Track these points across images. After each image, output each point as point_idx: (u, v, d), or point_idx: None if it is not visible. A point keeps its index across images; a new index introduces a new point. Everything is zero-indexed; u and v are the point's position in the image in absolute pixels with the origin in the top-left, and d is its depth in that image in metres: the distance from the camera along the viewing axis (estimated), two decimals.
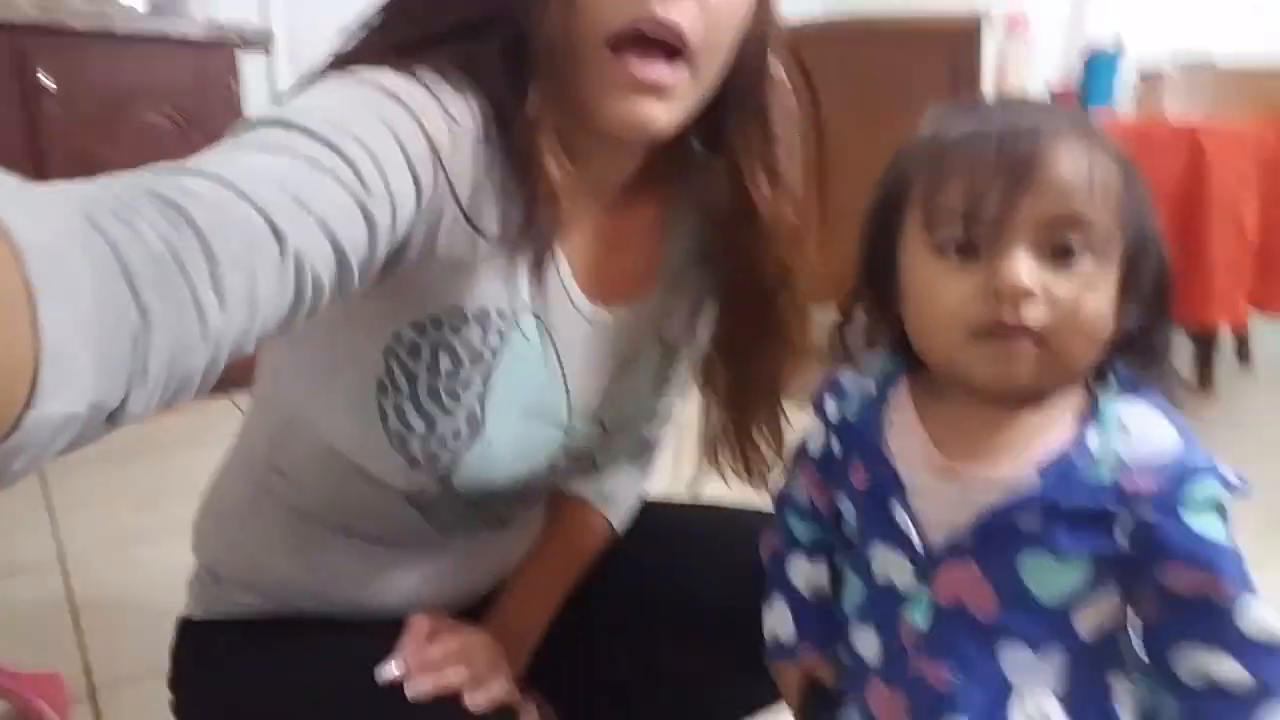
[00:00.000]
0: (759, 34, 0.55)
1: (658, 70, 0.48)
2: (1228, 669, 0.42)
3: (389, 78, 0.46)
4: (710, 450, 0.68)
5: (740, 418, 0.66)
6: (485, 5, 0.48)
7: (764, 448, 0.67)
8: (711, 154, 0.59)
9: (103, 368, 0.26)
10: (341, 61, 0.49)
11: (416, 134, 0.45)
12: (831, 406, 0.55)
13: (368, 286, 0.44)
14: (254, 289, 0.33)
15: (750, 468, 0.67)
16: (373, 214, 0.41)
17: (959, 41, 1.67)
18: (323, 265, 0.37)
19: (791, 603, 0.57)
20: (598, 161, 0.56)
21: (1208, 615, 0.43)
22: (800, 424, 0.61)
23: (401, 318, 0.53)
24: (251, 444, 0.65)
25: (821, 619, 0.56)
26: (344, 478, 0.60)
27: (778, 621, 0.58)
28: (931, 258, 0.45)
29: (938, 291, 0.45)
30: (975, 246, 0.44)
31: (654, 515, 0.77)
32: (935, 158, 0.46)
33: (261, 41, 2.35)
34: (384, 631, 0.62)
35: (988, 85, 1.94)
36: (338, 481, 0.60)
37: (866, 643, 0.52)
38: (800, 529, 0.59)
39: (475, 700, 0.57)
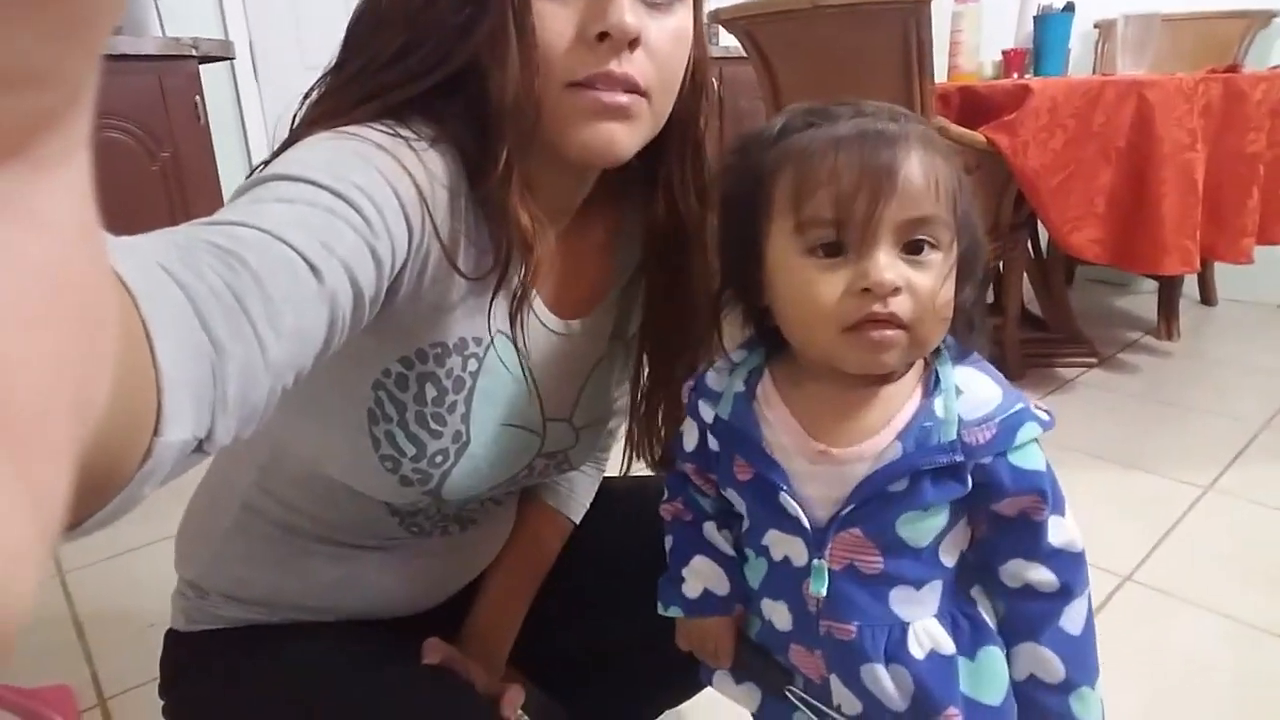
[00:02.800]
0: (697, 74, 0.59)
1: (620, 97, 0.52)
2: (1038, 574, 0.53)
3: (371, 132, 0.49)
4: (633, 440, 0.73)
5: (650, 408, 0.70)
6: (447, 65, 0.51)
7: (665, 434, 0.71)
8: (649, 177, 0.63)
9: (196, 400, 0.29)
10: (314, 120, 0.52)
11: (405, 180, 0.48)
12: (704, 407, 0.59)
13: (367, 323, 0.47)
14: (301, 323, 0.36)
15: (654, 452, 0.71)
16: (379, 254, 0.44)
17: (909, 13, 1.69)
18: (345, 301, 0.40)
19: (721, 562, 0.61)
20: (555, 190, 0.60)
21: (1026, 532, 0.52)
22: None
23: (389, 355, 0.56)
24: (236, 468, 0.68)
25: (741, 579, 0.61)
26: (331, 496, 0.64)
27: (708, 578, 0.61)
28: (801, 258, 0.50)
29: (811, 291, 0.49)
30: (842, 246, 0.49)
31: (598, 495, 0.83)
32: (799, 166, 0.50)
33: (222, 54, 2.35)
34: (361, 633, 0.67)
35: (941, 54, 1.97)
36: (325, 500, 0.64)
37: (778, 613, 0.57)
38: (706, 502, 0.63)
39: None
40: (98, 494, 0.25)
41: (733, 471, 0.56)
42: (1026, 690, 0.53)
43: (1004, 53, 2.25)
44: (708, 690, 0.89)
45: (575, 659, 0.82)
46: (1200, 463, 1.66)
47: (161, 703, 0.69)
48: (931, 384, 0.52)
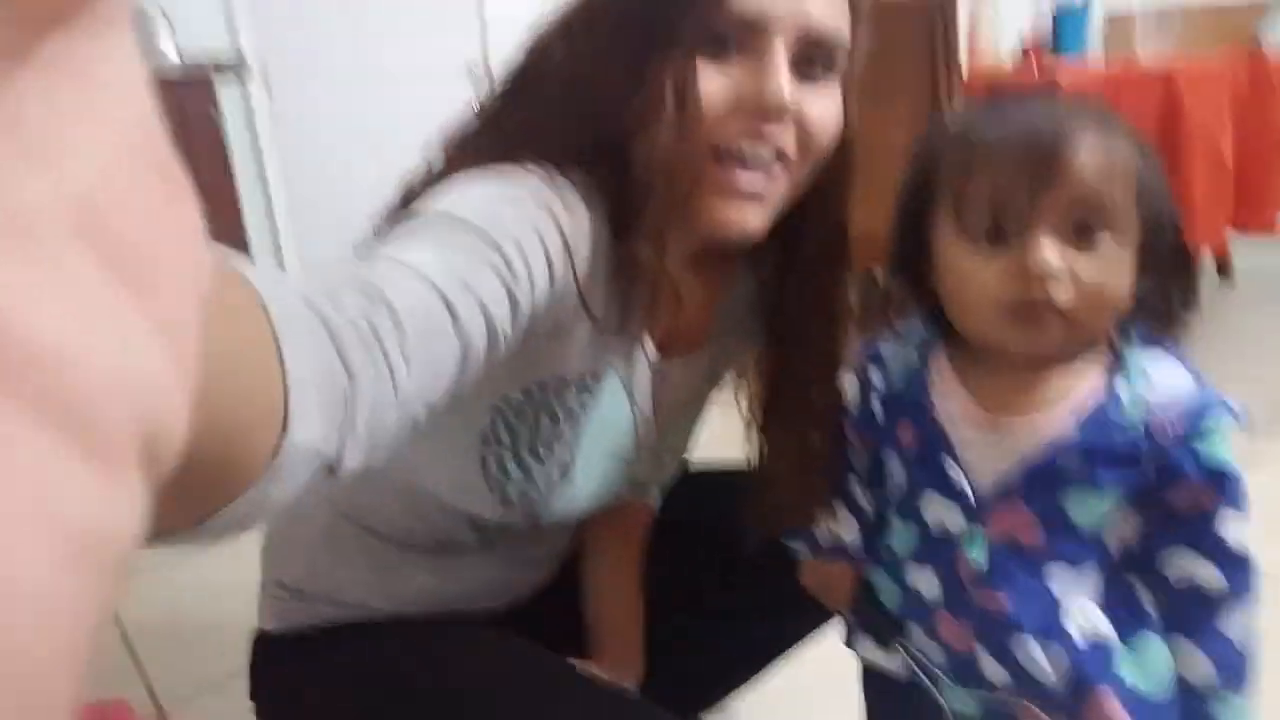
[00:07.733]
0: (846, 152, 0.59)
1: (758, 182, 0.53)
2: (1206, 573, 0.50)
3: (528, 177, 0.51)
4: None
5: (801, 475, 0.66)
6: (611, 128, 0.52)
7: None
8: (780, 245, 0.62)
9: (326, 416, 0.30)
10: (472, 154, 0.54)
11: (553, 232, 0.50)
12: (875, 375, 0.60)
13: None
14: (432, 358, 0.38)
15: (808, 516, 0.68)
16: (517, 298, 0.46)
17: (934, 10, 1.69)
18: (478, 338, 0.42)
19: (857, 514, 0.64)
20: (679, 243, 0.59)
21: (1199, 525, 0.50)
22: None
23: (513, 383, 0.58)
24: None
25: (871, 536, 0.63)
26: (423, 510, 0.65)
27: (844, 528, 0.64)
28: (964, 244, 0.50)
29: (972, 274, 0.50)
30: (1004, 232, 0.48)
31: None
32: (965, 155, 0.50)
33: (235, 68, 2.35)
34: (455, 631, 0.67)
35: (962, 48, 1.97)
36: (416, 513, 0.65)
37: (926, 582, 0.57)
38: (855, 460, 0.64)
39: None
40: (224, 487, 0.25)
41: (895, 435, 0.57)
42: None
43: (1024, 47, 2.26)
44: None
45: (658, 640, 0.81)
46: None
47: (253, 705, 0.68)
48: (1116, 367, 0.51)
